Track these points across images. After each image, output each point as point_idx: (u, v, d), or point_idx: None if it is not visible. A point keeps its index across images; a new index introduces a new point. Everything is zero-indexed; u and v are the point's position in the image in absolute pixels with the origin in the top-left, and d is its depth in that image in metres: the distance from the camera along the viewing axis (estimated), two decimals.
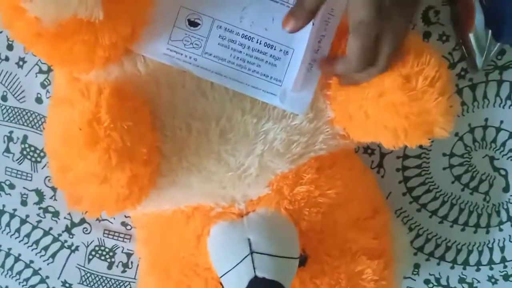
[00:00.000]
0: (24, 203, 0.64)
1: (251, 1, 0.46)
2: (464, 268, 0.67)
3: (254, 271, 0.46)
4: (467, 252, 0.67)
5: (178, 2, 0.45)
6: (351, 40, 0.42)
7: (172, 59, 0.46)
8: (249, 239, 0.47)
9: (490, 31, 0.57)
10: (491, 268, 0.67)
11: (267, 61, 0.47)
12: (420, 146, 0.48)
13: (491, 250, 0.67)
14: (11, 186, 0.64)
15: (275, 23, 0.46)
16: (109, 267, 0.66)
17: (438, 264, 0.67)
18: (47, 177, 0.63)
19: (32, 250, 0.66)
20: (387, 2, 0.40)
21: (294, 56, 0.47)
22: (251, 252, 0.47)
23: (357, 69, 0.43)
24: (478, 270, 0.67)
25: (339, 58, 0.45)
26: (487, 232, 0.66)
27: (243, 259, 0.46)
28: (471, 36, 0.58)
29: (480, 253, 0.67)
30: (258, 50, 0.47)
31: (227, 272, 0.47)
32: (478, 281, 0.68)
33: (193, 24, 0.46)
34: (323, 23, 0.47)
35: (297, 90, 0.48)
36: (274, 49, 0.47)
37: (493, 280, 0.68)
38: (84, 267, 0.66)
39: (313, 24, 0.46)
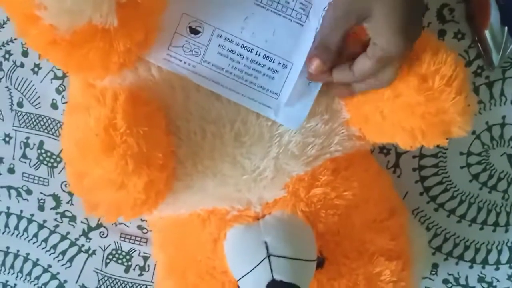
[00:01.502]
0: (41, 208, 0.65)
1: (253, 12, 0.45)
2: (483, 267, 0.67)
3: (272, 274, 0.46)
4: (486, 251, 0.66)
5: (180, 9, 0.45)
6: (365, 59, 0.42)
7: (171, 65, 0.46)
8: (265, 242, 0.47)
9: (506, 28, 0.56)
10: (511, 267, 0.66)
11: (265, 74, 0.47)
12: (437, 145, 0.47)
13: (510, 248, 0.66)
14: (28, 192, 0.65)
15: (275, 36, 0.46)
16: (126, 270, 0.66)
17: (457, 263, 0.67)
18: (63, 182, 0.64)
19: (50, 254, 0.66)
20: (410, 28, 0.40)
21: (293, 70, 0.47)
22: (268, 255, 0.46)
23: (358, 80, 0.43)
24: (497, 269, 0.67)
25: (339, 66, 0.45)
26: (506, 230, 0.65)
27: (260, 262, 0.46)
28: (487, 33, 0.57)
29: (499, 252, 0.66)
30: (257, 62, 0.47)
31: (244, 275, 0.47)
32: (498, 280, 0.67)
33: (194, 31, 0.46)
34: None
35: (292, 104, 0.48)
36: (273, 62, 0.47)
37: None
38: (101, 271, 0.66)
39: (313, 40, 0.45)
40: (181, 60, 0.47)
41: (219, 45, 0.47)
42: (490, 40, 0.58)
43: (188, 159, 0.49)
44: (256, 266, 0.47)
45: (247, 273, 0.47)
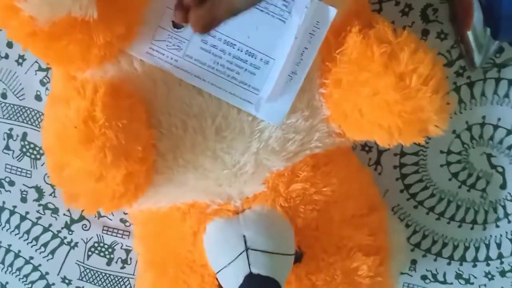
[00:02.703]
0: (24, 200, 0.65)
1: None
2: (461, 264, 0.68)
3: (249, 268, 0.46)
4: (463, 249, 0.67)
5: (164, 3, 0.45)
6: None
7: (153, 58, 0.47)
8: (244, 236, 0.47)
9: (488, 29, 0.57)
10: (488, 264, 0.68)
11: (246, 69, 0.47)
12: (418, 144, 0.48)
13: (487, 246, 0.67)
14: (11, 183, 0.64)
15: (258, 32, 0.46)
16: (108, 263, 0.67)
17: (435, 260, 0.68)
18: (46, 174, 0.64)
19: (32, 246, 0.66)
20: None
21: (275, 67, 0.47)
22: (246, 249, 0.47)
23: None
24: (474, 266, 0.68)
25: None
26: (484, 228, 0.66)
27: (239, 255, 0.47)
28: (470, 34, 0.58)
29: (477, 249, 0.67)
30: (239, 58, 0.47)
31: (222, 268, 0.48)
32: (475, 277, 0.68)
33: (177, 26, 0.46)
34: (307, 35, 0.47)
35: (274, 100, 0.48)
36: (255, 58, 0.47)
37: (489, 276, 0.68)
38: (83, 263, 0.67)
39: (295, 38, 0.46)
40: (163, 54, 0.47)
41: (202, 40, 0.47)
42: (472, 41, 0.58)
43: (169, 152, 0.49)
44: (234, 260, 0.47)
45: (226, 266, 0.48)
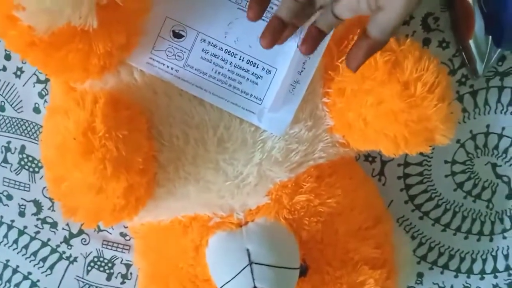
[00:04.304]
0: (22, 214, 0.64)
1: (237, 17, 0.45)
2: (468, 277, 0.66)
3: (254, 282, 0.45)
4: (470, 261, 0.66)
5: (164, 13, 0.45)
6: None
7: (154, 69, 0.46)
8: (248, 250, 0.47)
9: (490, 37, 0.57)
10: (496, 277, 0.66)
11: (248, 79, 0.47)
12: (422, 154, 0.47)
13: (495, 258, 0.66)
14: (9, 197, 0.63)
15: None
16: (108, 278, 0.65)
17: (442, 272, 0.66)
18: (45, 187, 0.63)
19: (30, 261, 0.65)
20: None
21: (277, 76, 0.47)
22: (250, 263, 0.46)
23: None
24: (482, 278, 0.66)
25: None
26: (491, 240, 0.65)
27: (242, 270, 0.46)
28: (471, 42, 0.57)
29: (484, 261, 0.66)
30: (240, 67, 0.46)
31: (226, 283, 0.47)
32: None
33: (177, 35, 0.46)
34: None
35: (276, 110, 0.47)
36: (257, 67, 0.47)
37: None
38: (83, 278, 0.65)
39: (297, 46, 0.45)
40: (164, 64, 0.46)
41: (203, 49, 0.46)
42: (474, 49, 0.58)
43: (170, 164, 0.48)
44: (237, 274, 0.46)
45: (229, 281, 0.47)
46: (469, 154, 0.63)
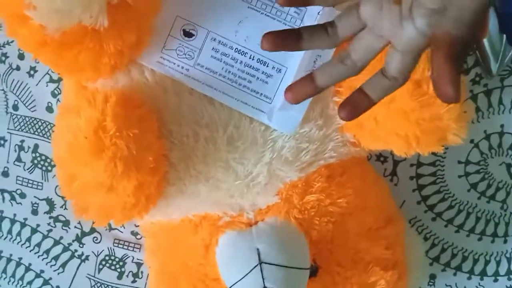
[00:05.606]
0: (35, 212, 0.64)
1: (247, 15, 0.45)
2: (482, 279, 0.65)
3: (263, 282, 0.45)
4: (484, 262, 0.65)
5: (174, 12, 0.45)
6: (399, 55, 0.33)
7: (164, 68, 0.46)
8: (258, 249, 0.46)
9: (504, 36, 0.56)
10: (510, 279, 0.65)
11: (258, 78, 0.47)
12: (434, 154, 0.47)
13: (509, 260, 0.65)
14: (22, 195, 0.64)
15: None
16: (119, 277, 0.66)
17: (455, 274, 0.65)
18: (57, 186, 0.63)
19: (42, 259, 0.66)
20: None
21: (287, 75, 0.47)
22: (260, 263, 0.46)
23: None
24: (496, 280, 0.65)
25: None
26: (505, 241, 0.64)
27: (252, 269, 0.46)
28: (485, 41, 0.57)
29: (498, 263, 0.65)
30: (251, 66, 0.46)
31: (235, 283, 0.47)
32: None
33: (187, 34, 0.46)
34: None
35: (286, 109, 0.47)
36: (267, 66, 0.46)
37: None
38: (94, 277, 0.66)
39: None
40: (174, 63, 0.46)
41: (213, 48, 0.46)
42: (488, 48, 0.57)
43: (180, 163, 0.48)
44: (247, 274, 0.46)
45: (239, 281, 0.46)
46: (483, 155, 0.62)
